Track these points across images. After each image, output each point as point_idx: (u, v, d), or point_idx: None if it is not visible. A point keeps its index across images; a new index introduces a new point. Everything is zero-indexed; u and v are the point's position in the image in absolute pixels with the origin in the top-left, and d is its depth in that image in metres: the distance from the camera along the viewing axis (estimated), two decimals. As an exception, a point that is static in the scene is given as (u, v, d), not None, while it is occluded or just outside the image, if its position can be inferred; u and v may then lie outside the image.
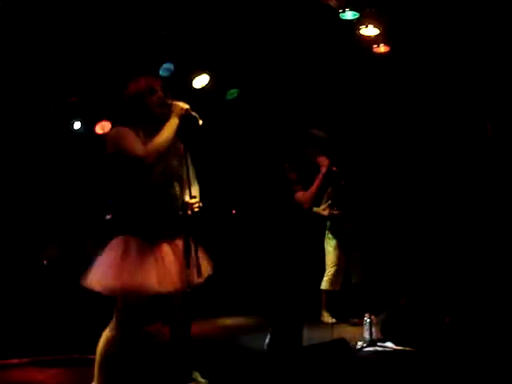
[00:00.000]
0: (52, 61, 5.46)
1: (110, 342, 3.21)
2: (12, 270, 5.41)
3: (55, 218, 5.74)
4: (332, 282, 6.27)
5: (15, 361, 4.71)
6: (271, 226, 4.82)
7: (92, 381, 3.27)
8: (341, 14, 5.19)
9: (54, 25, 5.18)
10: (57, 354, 4.83)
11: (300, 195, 4.69)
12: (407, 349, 4.64)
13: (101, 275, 3.11)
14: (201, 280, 3.29)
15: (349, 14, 5.23)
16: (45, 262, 5.45)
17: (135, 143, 3.16)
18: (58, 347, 4.94)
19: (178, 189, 3.38)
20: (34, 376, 4.34)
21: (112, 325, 3.24)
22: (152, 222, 3.23)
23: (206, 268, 3.35)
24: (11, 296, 5.34)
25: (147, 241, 3.19)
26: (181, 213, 3.33)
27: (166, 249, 3.25)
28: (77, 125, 6.43)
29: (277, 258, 4.72)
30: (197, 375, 3.65)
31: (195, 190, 3.43)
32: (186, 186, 3.35)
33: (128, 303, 3.20)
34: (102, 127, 6.29)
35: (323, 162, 4.87)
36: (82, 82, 5.84)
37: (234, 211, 7.91)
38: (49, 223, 5.69)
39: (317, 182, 4.75)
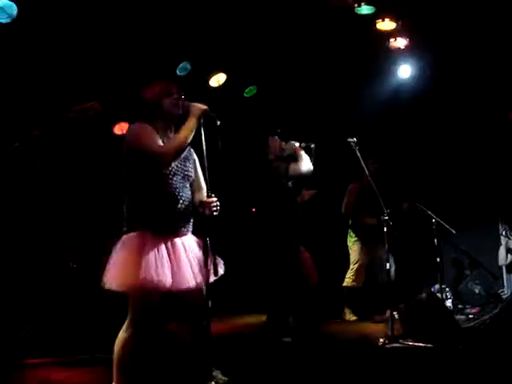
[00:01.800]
0: (69, 62, 5.49)
1: (126, 342, 3.22)
2: (34, 272, 5.46)
3: (75, 220, 5.79)
4: (354, 279, 6.26)
5: (37, 360, 4.76)
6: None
7: (112, 381, 3.29)
8: (357, 9, 5.16)
9: (72, 27, 5.22)
10: (79, 354, 4.88)
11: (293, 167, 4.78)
12: (429, 345, 4.60)
13: (117, 273, 3.12)
14: (215, 278, 3.32)
15: (364, 9, 5.19)
16: (72, 265, 5.48)
17: (154, 141, 3.20)
18: (79, 347, 4.99)
19: (190, 188, 3.43)
20: (55, 376, 4.37)
21: (126, 324, 3.25)
22: (166, 219, 3.25)
23: (220, 266, 3.38)
24: (33, 297, 5.39)
25: (161, 238, 3.21)
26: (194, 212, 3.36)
27: (180, 247, 3.27)
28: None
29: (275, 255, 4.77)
30: (217, 373, 3.65)
31: (204, 192, 3.46)
32: (202, 186, 3.41)
33: (142, 301, 3.21)
34: (121, 128, 6.32)
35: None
36: (100, 83, 5.88)
37: (254, 209, 7.90)
38: (69, 225, 5.73)
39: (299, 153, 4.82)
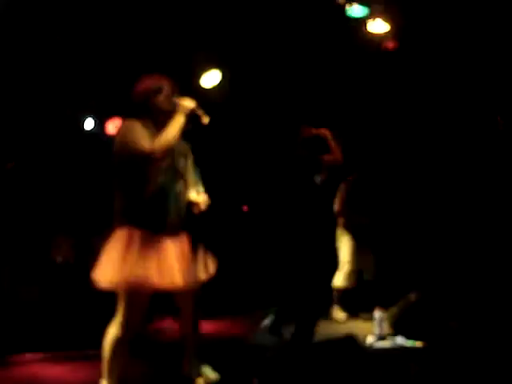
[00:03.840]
0: (62, 59, 5.50)
1: (115, 339, 3.24)
2: (25, 267, 5.46)
3: (66, 216, 5.79)
4: (347, 279, 6.25)
5: (29, 356, 4.77)
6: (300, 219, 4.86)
7: (101, 377, 3.31)
8: (348, 10, 5.08)
9: (64, 25, 5.23)
10: (71, 349, 4.89)
11: (327, 157, 4.81)
12: (417, 343, 4.63)
13: (106, 270, 3.14)
14: (206, 277, 3.32)
15: (357, 11, 5.12)
16: (58, 260, 5.49)
17: (143, 138, 3.19)
18: (71, 342, 5.00)
19: (182, 186, 3.43)
20: (47, 371, 4.39)
21: (116, 321, 3.27)
22: (156, 217, 3.26)
23: (212, 265, 3.39)
24: (25, 292, 5.39)
25: (150, 235, 3.21)
26: (185, 210, 3.37)
27: (169, 244, 3.27)
28: (89, 123, 6.46)
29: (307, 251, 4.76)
30: (207, 370, 3.67)
31: (199, 190, 3.46)
32: (192, 184, 3.40)
33: (130, 298, 3.22)
34: (114, 125, 6.32)
35: (323, 131, 4.93)
36: (92, 80, 5.87)
37: (245, 208, 7.93)
38: (60, 221, 5.74)
39: (331, 143, 4.86)
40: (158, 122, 3.34)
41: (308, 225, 4.78)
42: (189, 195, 3.45)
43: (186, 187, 3.47)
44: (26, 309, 5.30)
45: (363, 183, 6.35)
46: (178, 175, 3.41)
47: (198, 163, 3.45)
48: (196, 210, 3.35)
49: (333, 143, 4.88)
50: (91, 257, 3.40)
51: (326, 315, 6.24)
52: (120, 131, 3.29)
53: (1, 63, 5.25)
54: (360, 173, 6.36)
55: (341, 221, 6.40)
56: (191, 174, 3.47)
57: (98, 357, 3.40)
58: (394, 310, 5.06)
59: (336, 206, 6.35)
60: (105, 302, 4.52)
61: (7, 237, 5.50)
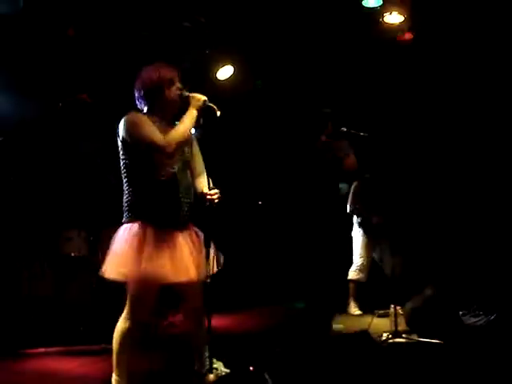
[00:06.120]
0: (69, 49, 5.49)
1: (125, 333, 3.22)
2: (38, 262, 5.49)
3: (78, 210, 5.80)
4: (358, 273, 6.26)
5: (42, 350, 4.80)
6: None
7: (113, 371, 3.29)
8: (363, 2, 5.06)
9: (70, 16, 5.23)
10: (84, 344, 4.91)
11: (347, 161, 5.01)
12: (433, 340, 4.57)
13: (117, 263, 3.11)
14: (216, 271, 3.30)
15: (372, 2, 5.09)
16: (72, 254, 5.49)
17: (154, 132, 3.14)
18: (85, 337, 5.02)
19: (190, 178, 3.39)
20: (60, 365, 4.41)
21: (124, 315, 3.25)
22: (166, 210, 3.22)
23: (221, 259, 3.37)
24: (39, 287, 5.42)
25: (162, 229, 3.17)
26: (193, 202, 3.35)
27: (180, 238, 3.24)
28: None
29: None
30: (219, 365, 3.65)
31: (204, 178, 3.41)
32: (199, 173, 3.38)
33: (140, 292, 3.20)
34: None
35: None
36: (96, 72, 5.85)
37: (260, 202, 7.90)
38: (72, 215, 5.75)
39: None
40: (165, 115, 3.30)
41: (321, 222, 4.79)
42: (200, 183, 3.40)
43: (193, 177, 3.42)
44: (39, 303, 5.33)
45: (376, 182, 6.33)
46: (185, 165, 3.36)
47: (210, 158, 3.41)
48: (207, 203, 3.31)
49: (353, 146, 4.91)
50: (104, 250, 3.40)
51: (341, 310, 6.24)
52: (126, 125, 3.18)
53: (6, 59, 5.26)
54: (373, 171, 6.34)
55: (355, 219, 6.40)
56: (198, 164, 3.42)
57: (111, 351, 3.39)
58: (409, 305, 5.02)
59: (349, 207, 6.35)
60: (118, 296, 4.53)
61: (21, 232, 5.53)
